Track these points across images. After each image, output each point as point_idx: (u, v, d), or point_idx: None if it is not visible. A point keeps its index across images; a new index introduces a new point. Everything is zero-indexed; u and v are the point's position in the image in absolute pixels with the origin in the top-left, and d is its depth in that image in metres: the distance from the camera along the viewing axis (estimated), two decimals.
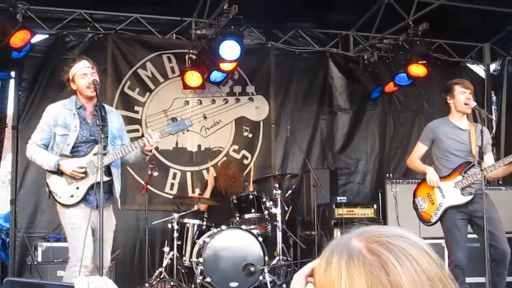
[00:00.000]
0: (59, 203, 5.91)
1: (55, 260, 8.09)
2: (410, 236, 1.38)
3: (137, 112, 10.15)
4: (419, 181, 7.13)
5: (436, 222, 6.78)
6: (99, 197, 5.56)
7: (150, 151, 6.09)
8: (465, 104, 6.72)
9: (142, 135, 9.53)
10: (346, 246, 1.38)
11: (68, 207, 5.87)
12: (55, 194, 5.90)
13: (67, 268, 5.83)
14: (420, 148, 7.04)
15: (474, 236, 7.00)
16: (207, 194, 9.66)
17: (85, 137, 5.94)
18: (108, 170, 5.92)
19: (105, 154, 5.66)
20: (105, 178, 5.72)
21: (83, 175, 5.85)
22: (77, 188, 5.88)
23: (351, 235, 1.41)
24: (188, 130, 9.65)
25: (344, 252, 1.37)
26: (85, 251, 5.65)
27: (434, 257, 1.35)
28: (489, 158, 6.71)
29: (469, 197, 6.61)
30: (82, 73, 5.99)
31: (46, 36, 9.89)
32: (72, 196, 5.87)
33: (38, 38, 9.55)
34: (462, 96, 6.73)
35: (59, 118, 5.95)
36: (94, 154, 5.78)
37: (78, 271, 5.59)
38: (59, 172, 5.86)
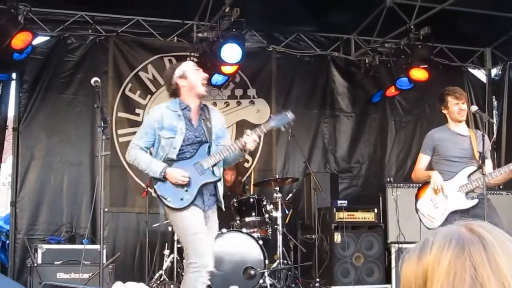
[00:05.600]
0: (169, 207, 5.78)
1: (55, 262, 8.06)
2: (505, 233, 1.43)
3: (138, 114, 10.14)
4: (421, 184, 7.10)
5: (439, 226, 6.73)
6: (207, 199, 5.79)
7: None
8: (459, 114, 6.75)
9: None
10: (442, 231, 1.42)
11: (180, 210, 5.75)
12: (164, 198, 5.77)
13: (190, 274, 5.66)
14: (423, 159, 6.99)
15: None
16: None
17: (191, 139, 5.82)
18: (212, 171, 5.88)
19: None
20: (213, 179, 5.84)
21: (187, 183, 5.75)
22: (186, 190, 5.77)
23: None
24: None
25: (439, 235, 1.40)
26: (209, 256, 5.68)
27: None
28: (488, 164, 6.69)
29: (474, 201, 6.57)
30: (196, 68, 5.98)
31: (48, 38, 9.88)
32: (182, 199, 5.76)
33: (39, 40, 9.56)
34: (455, 107, 6.75)
35: (165, 120, 5.83)
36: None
37: (204, 276, 5.59)
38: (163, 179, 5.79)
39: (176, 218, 5.84)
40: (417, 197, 7.01)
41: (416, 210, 6.98)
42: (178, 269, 8.42)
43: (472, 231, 1.38)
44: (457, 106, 6.74)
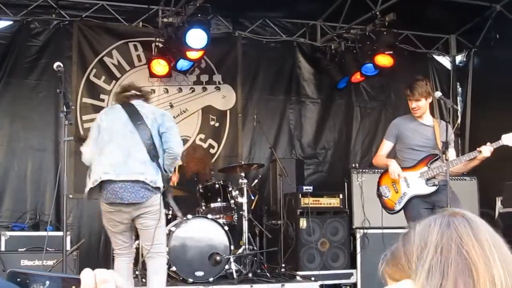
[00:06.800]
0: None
1: (19, 249, 8.00)
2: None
3: (103, 100, 10.06)
4: (384, 170, 7.18)
5: (399, 210, 6.86)
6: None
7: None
8: (412, 110, 6.88)
9: None
10: (423, 221, 1.53)
11: None
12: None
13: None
14: (386, 145, 7.11)
15: None
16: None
17: None
18: None
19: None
20: None
21: None
22: None
23: None
24: None
25: (421, 223, 1.53)
26: None
27: None
28: (451, 153, 6.77)
29: (433, 188, 6.71)
30: None
31: (11, 22, 9.71)
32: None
33: (2, 24, 9.44)
34: (409, 103, 6.89)
35: None
36: None
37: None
38: None
39: None
40: (379, 183, 7.10)
41: (378, 195, 7.07)
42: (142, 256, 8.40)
43: (455, 213, 1.50)
44: (410, 103, 6.89)
